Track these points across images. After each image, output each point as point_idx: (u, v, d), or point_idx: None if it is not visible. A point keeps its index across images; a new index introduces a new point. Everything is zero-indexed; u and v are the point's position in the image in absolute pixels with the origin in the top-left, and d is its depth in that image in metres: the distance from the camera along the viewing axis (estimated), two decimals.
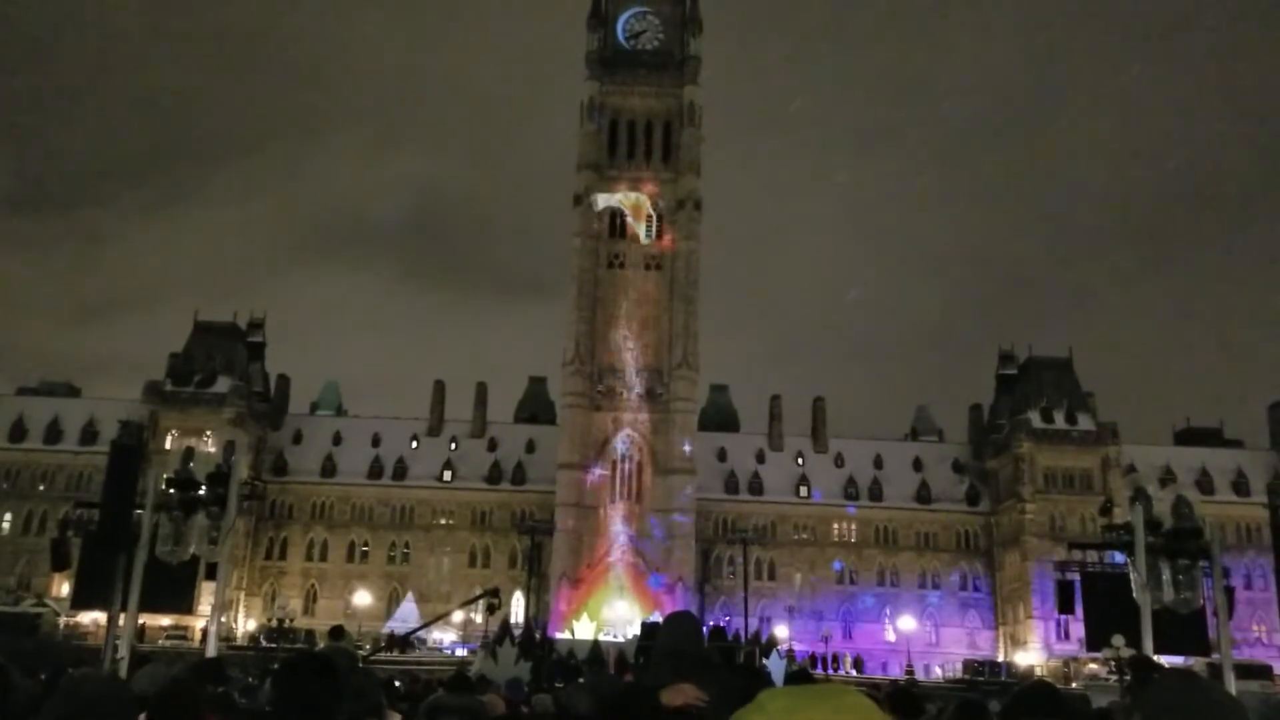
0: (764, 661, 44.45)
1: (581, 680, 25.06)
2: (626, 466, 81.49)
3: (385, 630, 73.17)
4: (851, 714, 2.07)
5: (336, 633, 16.91)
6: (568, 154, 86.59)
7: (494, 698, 11.91)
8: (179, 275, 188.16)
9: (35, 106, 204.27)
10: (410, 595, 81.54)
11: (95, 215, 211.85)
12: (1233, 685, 19.12)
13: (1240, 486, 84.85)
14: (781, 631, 76.43)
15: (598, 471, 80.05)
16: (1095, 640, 23.88)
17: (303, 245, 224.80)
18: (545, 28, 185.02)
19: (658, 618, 57.04)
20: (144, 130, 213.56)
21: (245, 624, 79.98)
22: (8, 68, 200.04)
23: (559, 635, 63.47)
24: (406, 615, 78.12)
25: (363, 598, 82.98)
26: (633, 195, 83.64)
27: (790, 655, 61.08)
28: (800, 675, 9.67)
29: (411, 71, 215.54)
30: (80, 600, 24.49)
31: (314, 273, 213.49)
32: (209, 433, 78.20)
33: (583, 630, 67.88)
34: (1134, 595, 21.16)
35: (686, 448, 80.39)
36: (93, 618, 55.19)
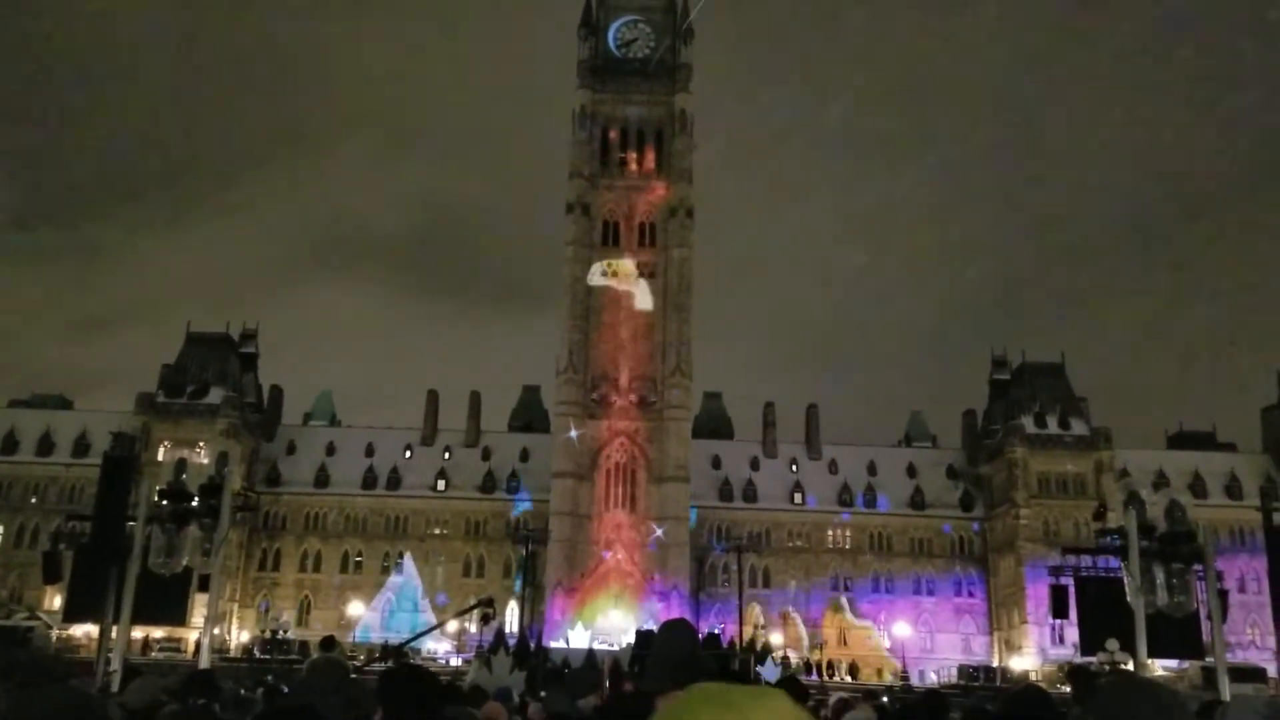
0: (758, 669, 44.42)
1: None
2: (620, 475, 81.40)
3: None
4: None
5: (328, 643, 16.85)
6: (561, 163, 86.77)
7: (494, 706, 11.83)
8: (179, 289, 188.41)
9: (40, 122, 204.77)
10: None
11: (97, 230, 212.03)
12: (1227, 688, 19.14)
13: (1233, 490, 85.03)
14: (776, 638, 76.40)
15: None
16: (1090, 644, 23.91)
17: (303, 258, 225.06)
18: (542, 37, 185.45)
19: (652, 626, 56.96)
20: (147, 146, 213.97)
21: (239, 636, 79.69)
22: (13, 83, 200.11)
23: (554, 644, 63.36)
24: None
25: (357, 608, 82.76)
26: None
27: (785, 662, 61.06)
28: (790, 682, 9.67)
29: (413, 85, 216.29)
30: (73, 613, 24.39)
31: (313, 285, 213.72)
32: (202, 444, 78.09)
33: (578, 639, 67.78)
34: (1128, 599, 21.20)
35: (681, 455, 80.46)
36: (85, 630, 54.94)
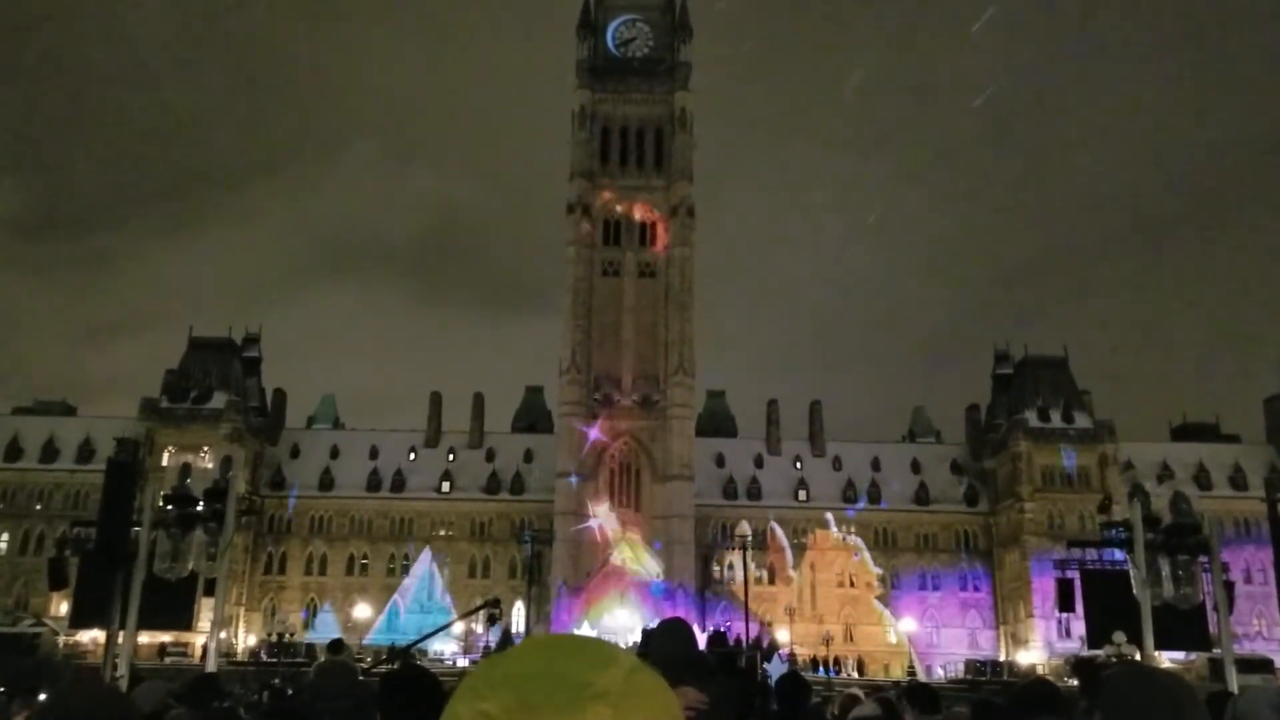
0: (765, 666, 44.35)
1: None
2: (625, 474, 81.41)
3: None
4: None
5: (336, 646, 16.84)
6: (562, 163, 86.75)
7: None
8: (187, 297, 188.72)
9: (50, 132, 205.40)
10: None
11: (107, 239, 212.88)
12: (1234, 679, 19.11)
13: (1238, 481, 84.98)
14: (783, 635, 76.39)
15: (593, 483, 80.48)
16: (1096, 638, 23.81)
17: (309, 264, 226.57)
18: (543, 38, 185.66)
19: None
20: (158, 154, 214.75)
21: (245, 639, 79.76)
22: (23, 93, 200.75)
23: None
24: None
25: (363, 610, 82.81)
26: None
27: (792, 658, 61.06)
28: (791, 678, 9.67)
29: (418, 91, 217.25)
30: (79, 619, 24.31)
31: (318, 290, 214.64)
32: (206, 448, 77.97)
33: None
34: (1134, 592, 21.16)
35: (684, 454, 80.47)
36: (92, 636, 54.92)
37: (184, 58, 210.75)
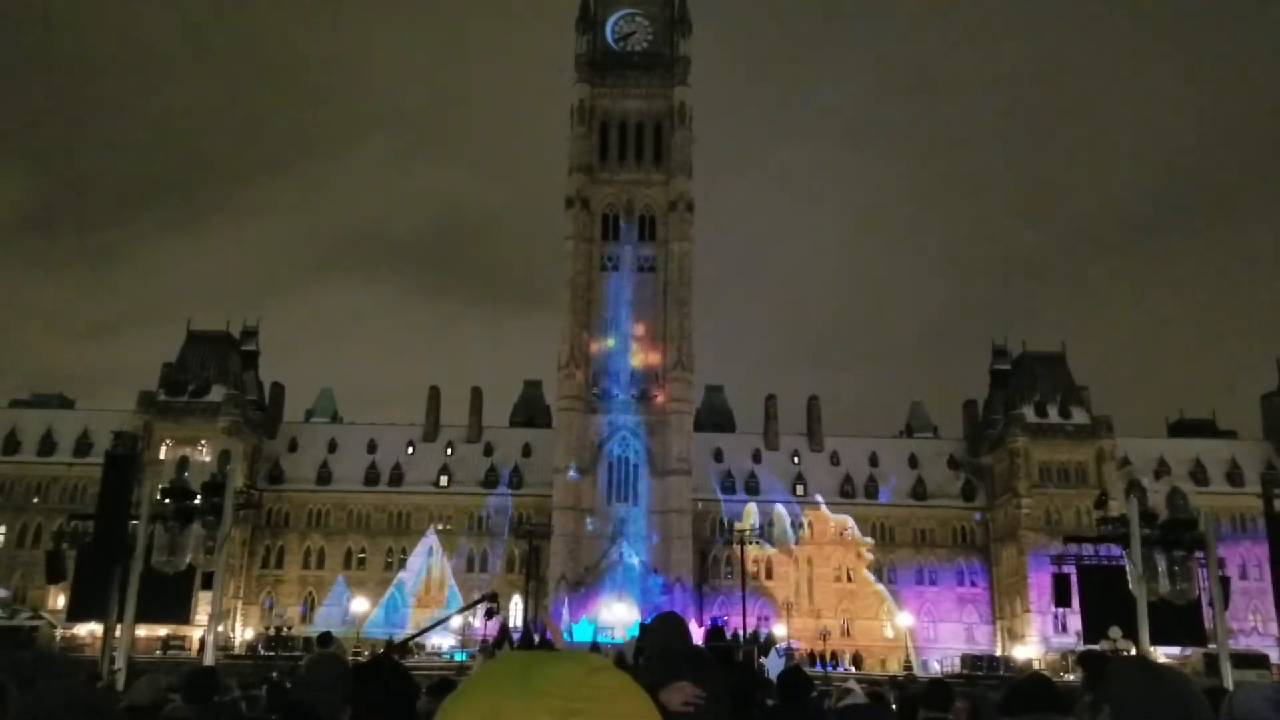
0: (762, 660, 44.43)
1: None
2: (623, 469, 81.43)
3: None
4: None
5: (325, 640, 16.85)
6: (563, 158, 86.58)
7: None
8: (188, 291, 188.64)
9: (57, 127, 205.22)
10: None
11: (113, 234, 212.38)
12: (1229, 675, 19.16)
13: (1234, 477, 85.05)
14: (780, 629, 76.49)
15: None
16: (1092, 633, 23.88)
17: (312, 259, 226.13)
18: (545, 33, 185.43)
19: None
20: (164, 150, 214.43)
21: (243, 633, 79.77)
22: (31, 88, 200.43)
23: None
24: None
25: (361, 604, 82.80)
26: None
27: (789, 653, 61.13)
28: (794, 673, 9.71)
29: (422, 88, 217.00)
30: (76, 612, 24.35)
31: (320, 285, 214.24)
32: (204, 442, 78.01)
33: (582, 632, 67.84)
34: (1130, 587, 21.21)
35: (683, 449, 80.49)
36: (89, 629, 55.02)
37: (191, 53, 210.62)
